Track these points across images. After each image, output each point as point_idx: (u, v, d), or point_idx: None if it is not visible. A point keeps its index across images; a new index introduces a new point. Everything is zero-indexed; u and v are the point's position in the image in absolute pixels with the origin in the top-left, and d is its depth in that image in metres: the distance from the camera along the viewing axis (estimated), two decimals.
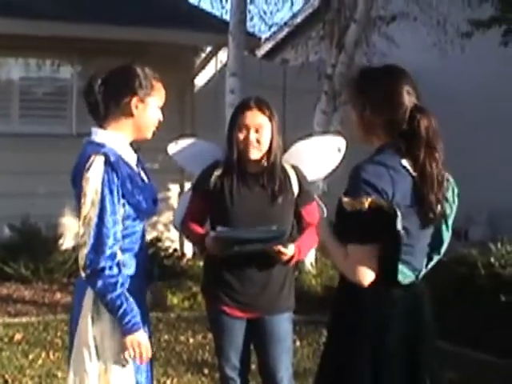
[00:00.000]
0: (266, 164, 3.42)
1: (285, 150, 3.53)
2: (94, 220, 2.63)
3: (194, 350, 5.63)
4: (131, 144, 2.86)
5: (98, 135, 2.77)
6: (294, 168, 3.51)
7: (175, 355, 5.51)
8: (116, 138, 2.77)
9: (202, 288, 3.72)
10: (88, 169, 2.65)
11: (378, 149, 2.57)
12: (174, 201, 8.80)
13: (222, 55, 8.89)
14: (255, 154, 3.38)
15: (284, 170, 3.46)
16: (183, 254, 8.88)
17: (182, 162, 3.82)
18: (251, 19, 10.13)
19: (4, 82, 8.74)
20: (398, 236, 2.42)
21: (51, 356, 5.36)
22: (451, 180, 2.65)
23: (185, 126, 8.86)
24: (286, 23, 11.87)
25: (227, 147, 3.44)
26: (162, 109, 2.87)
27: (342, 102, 7.89)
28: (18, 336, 5.85)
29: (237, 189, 3.41)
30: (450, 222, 2.66)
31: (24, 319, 6.43)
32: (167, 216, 8.28)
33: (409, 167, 2.50)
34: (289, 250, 3.33)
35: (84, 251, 2.64)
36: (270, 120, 3.39)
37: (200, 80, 9.43)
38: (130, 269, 2.77)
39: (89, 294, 2.71)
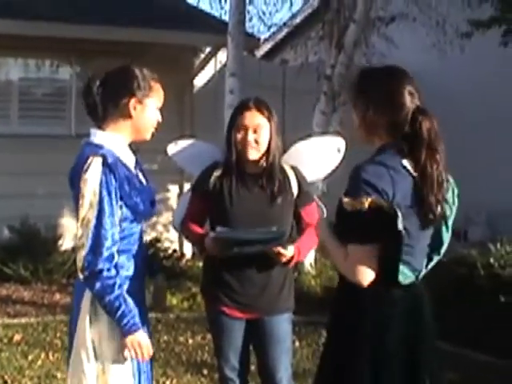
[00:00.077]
0: (264, 165, 3.42)
1: (284, 151, 3.52)
2: (92, 222, 2.62)
3: (194, 351, 5.62)
4: (130, 145, 2.85)
5: (97, 136, 2.76)
6: (294, 169, 3.50)
7: (174, 356, 5.51)
8: (114, 139, 2.76)
9: (202, 289, 3.71)
10: (86, 170, 2.64)
11: (379, 149, 2.56)
12: (173, 202, 8.80)
13: (222, 56, 8.88)
14: (253, 154, 3.37)
15: (283, 170, 3.46)
16: (182, 255, 8.87)
17: (182, 163, 3.82)
18: (250, 20, 10.17)
19: (3, 83, 8.72)
20: (400, 236, 2.41)
21: (50, 357, 5.35)
22: (451, 181, 2.64)
23: (184, 127, 8.85)
24: (285, 24, 11.86)
25: (226, 148, 3.43)
26: (161, 109, 2.87)
27: (341, 102, 7.89)
28: (17, 337, 5.84)
29: (236, 189, 3.40)
30: (450, 222, 2.66)
31: (23, 320, 6.41)
32: (166, 217, 8.29)
33: (409, 167, 2.49)
34: (288, 251, 3.33)
35: (82, 253, 2.63)
36: (269, 120, 3.39)
37: (199, 80, 9.41)
38: (127, 270, 2.76)
39: (87, 296, 2.71)
